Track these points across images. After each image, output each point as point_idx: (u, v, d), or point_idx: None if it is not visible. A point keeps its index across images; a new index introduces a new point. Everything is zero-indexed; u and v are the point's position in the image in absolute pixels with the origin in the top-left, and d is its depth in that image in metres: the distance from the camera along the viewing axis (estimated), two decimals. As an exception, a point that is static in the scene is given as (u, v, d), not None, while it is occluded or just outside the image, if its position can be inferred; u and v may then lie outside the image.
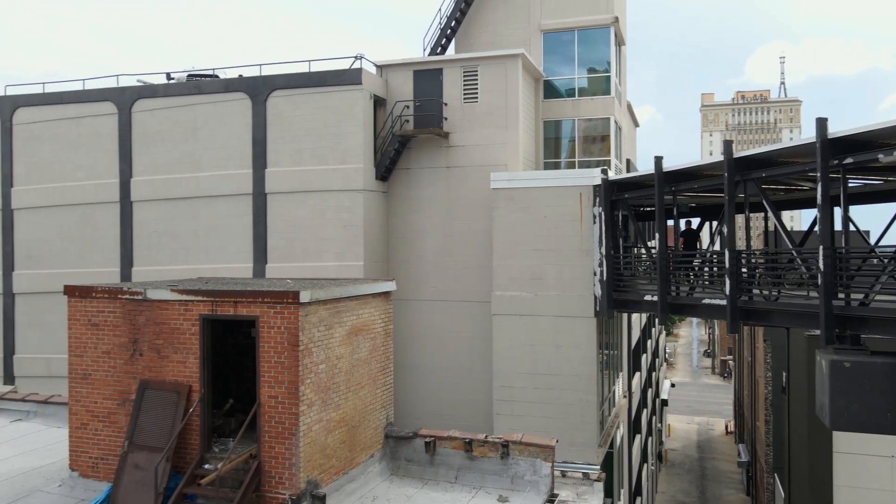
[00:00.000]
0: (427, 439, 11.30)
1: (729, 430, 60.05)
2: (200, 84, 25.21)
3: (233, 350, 11.69)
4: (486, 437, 11.25)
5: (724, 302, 15.47)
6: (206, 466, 9.54)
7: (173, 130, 25.29)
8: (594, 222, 20.38)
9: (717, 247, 18.38)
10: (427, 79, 24.58)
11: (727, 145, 15.32)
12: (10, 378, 26.97)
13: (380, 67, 24.91)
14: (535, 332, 21.05)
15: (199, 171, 24.94)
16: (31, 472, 10.86)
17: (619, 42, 27.98)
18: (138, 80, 26.56)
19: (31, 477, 10.69)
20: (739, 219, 19.10)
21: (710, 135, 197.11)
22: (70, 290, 10.60)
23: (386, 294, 11.71)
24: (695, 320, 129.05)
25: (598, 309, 20.40)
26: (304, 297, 9.21)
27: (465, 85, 24.26)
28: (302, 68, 24.17)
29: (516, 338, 21.28)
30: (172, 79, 26.35)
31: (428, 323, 24.38)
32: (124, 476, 9.52)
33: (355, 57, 23.64)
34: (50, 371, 25.94)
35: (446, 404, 24.04)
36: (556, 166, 26.92)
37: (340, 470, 10.22)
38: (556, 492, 10.92)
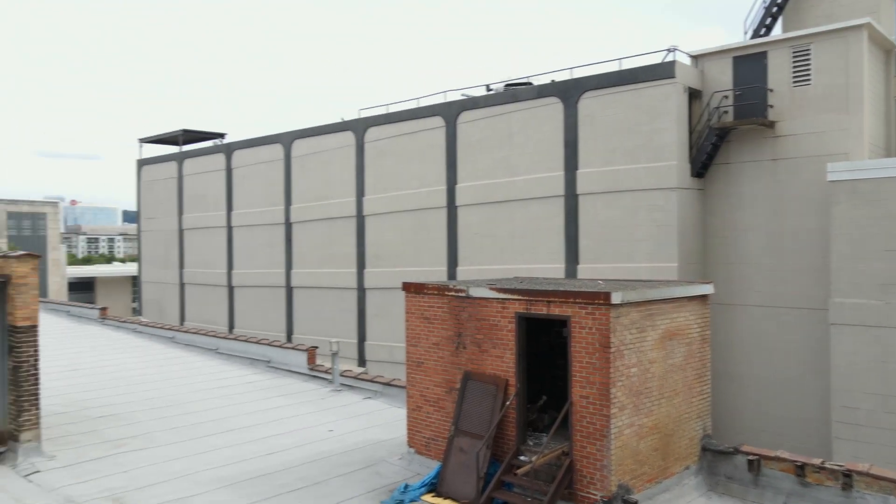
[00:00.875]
0: (750, 457, 10.36)
1: None
2: (516, 92, 26.60)
3: (545, 348, 12.10)
4: (823, 462, 9.92)
5: None
6: (522, 458, 10.01)
7: (491, 138, 27.11)
8: (971, 217, 16.75)
9: None
10: (748, 64, 22.60)
11: None
12: (362, 361, 31.60)
13: (694, 58, 23.62)
14: (887, 346, 18.03)
15: (514, 176, 26.33)
16: (378, 444, 12.57)
17: None
18: (462, 94, 29.04)
19: (378, 448, 12.37)
20: None
21: None
22: (407, 287, 11.99)
23: (703, 297, 11.03)
24: None
25: (976, 322, 16.72)
26: (616, 298, 9.13)
27: (794, 67, 21.75)
28: (612, 67, 24.05)
29: (862, 352, 18.45)
30: (491, 90, 28.26)
31: (750, 330, 22.42)
32: (451, 457, 10.47)
33: (668, 50, 22.79)
34: (392, 357, 29.76)
35: (770, 420, 21.86)
36: (916, 151, 22.70)
37: (653, 478, 9.92)
38: (916, 539, 9.18)
